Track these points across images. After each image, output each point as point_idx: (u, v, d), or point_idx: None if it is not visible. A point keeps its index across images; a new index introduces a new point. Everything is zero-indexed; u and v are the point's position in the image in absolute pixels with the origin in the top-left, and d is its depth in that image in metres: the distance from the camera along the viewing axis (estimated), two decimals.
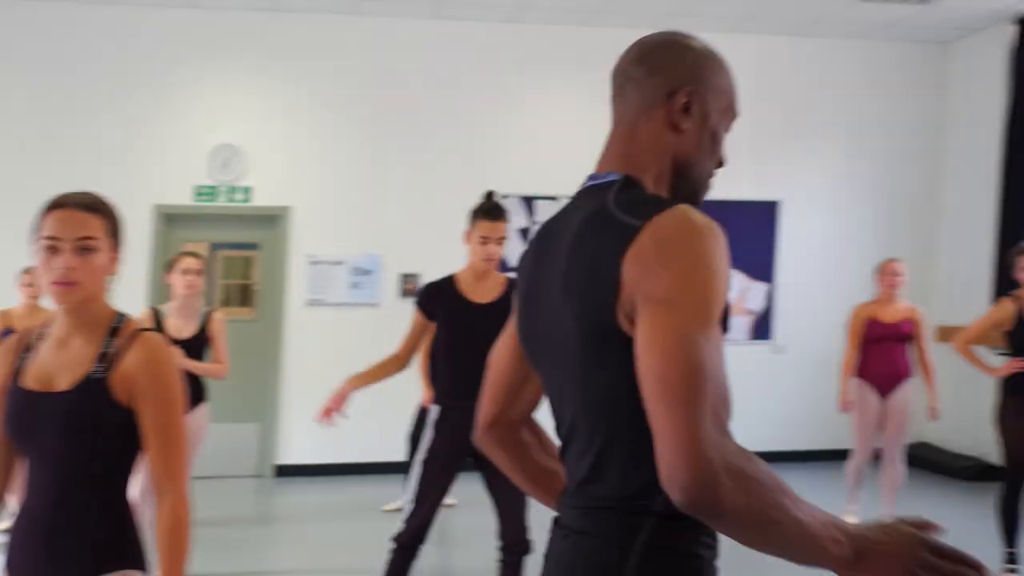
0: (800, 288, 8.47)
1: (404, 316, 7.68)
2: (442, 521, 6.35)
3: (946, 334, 8.17)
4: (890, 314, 5.82)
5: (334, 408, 3.73)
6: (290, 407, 7.83)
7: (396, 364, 3.95)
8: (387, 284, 7.96)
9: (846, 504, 6.23)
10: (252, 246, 7.95)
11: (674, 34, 1.57)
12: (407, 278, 7.97)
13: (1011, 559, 5.13)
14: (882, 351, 5.84)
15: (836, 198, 8.53)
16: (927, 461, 8.12)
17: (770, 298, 8.48)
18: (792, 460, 8.34)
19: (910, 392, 5.88)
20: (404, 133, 7.98)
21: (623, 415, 1.42)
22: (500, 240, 3.88)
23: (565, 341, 1.47)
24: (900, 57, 8.56)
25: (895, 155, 8.59)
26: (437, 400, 3.99)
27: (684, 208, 1.36)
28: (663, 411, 1.26)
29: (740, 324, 8.45)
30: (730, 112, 1.57)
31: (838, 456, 8.14)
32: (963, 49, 8.38)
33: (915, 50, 8.57)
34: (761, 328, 8.47)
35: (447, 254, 7.66)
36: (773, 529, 1.26)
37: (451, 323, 3.92)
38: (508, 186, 8.02)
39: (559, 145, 8.11)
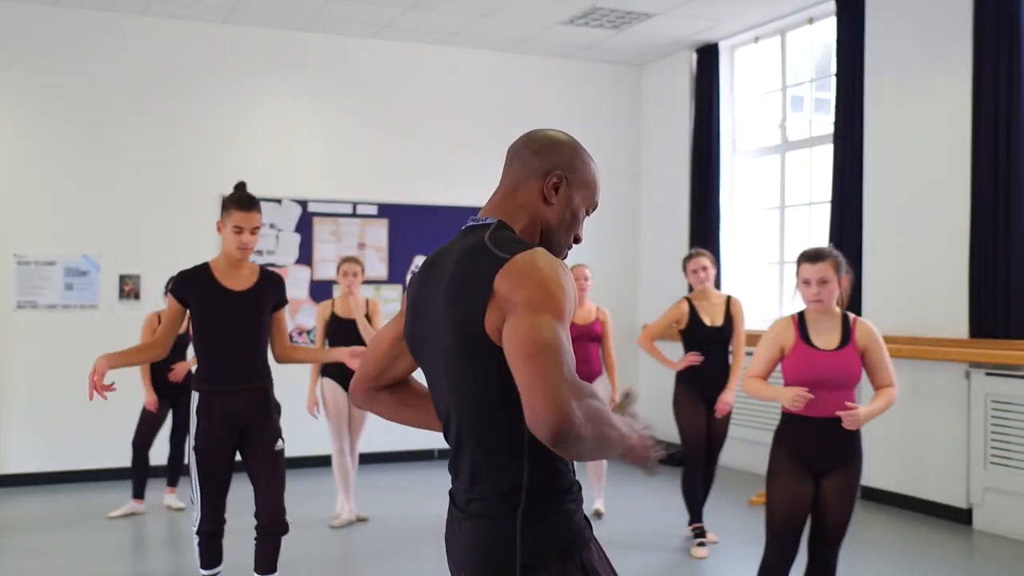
0: None
1: (125, 318, 7.47)
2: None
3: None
4: (582, 316, 6.25)
5: (96, 384, 3.68)
6: (5, 414, 7.38)
7: (154, 350, 4.03)
8: (106, 285, 7.69)
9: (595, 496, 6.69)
10: None
11: (560, 133, 2.04)
12: (126, 279, 7.73)
13: (699, 533, 5.76)
14: (577, 350, 6.20)
15: None
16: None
17: None
18: None
19: (601, 386, 6.39)
20: (117, 132, 7.75)
21: (491, 408, 1.85)
22: (254, 230, 4.01)
23: (443, 343, 1.89)
24: (602, 76, 9.36)
25: (601, 162, 9.28)
26: (196, 387, 4.06)
27: (541, 249, 1.84)
28: (529, 372, 1.67)
29: None
30: (591, 200, 2.03)
31: None
32: (656, 71, 9.32)
33: (615, 71, 9.41)
34: None
35: (167, 254, 7.54)
36: (607, 445, 1.74)
37: (207, 310, 4.00)
38: (228, 186, 7.97)
39: (278, 147, 8.20)
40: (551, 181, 1.96)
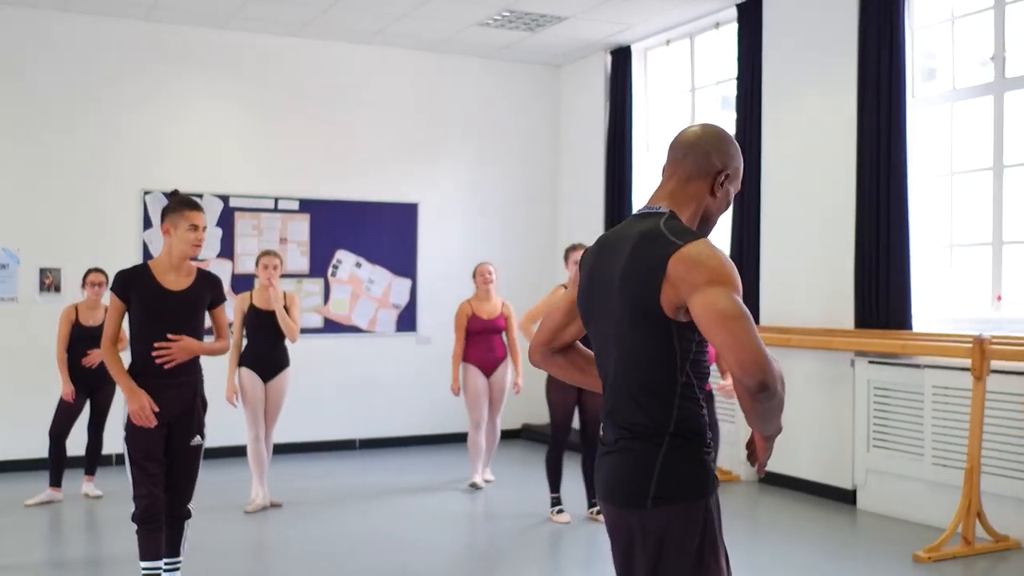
0: (440, 283, 9.19)
1: (46, 310, 7.55)
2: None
3: None
4: (488, 311, 6.98)
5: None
6: None
7: (116, 348, 4.26)
8: (26, 278, 7.77)
9: (472, 472, 7.23)
10: None
11: (723, 130, 2.32)
12: (46, 272, 7.82)
13: (556, 502, 6.25)
14: (482, 341, 6.98)
15: (470, 200, 9.42)
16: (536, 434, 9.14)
17: (413, 293, 9.17)
18: (438, 442, 9.09)
19: (508, 371, 7.09)
20: (39, 128, 7.83)
21: (656, 367, 2.18)
22: (204, 228, 4.27)
23: (617, 315, 2.22)
24: (521, 76, 9.62)
25: (520, 161, 9.63)
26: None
27: (705, 239, 2.15)
28: (730, 335, 2.01)
29: (387, 317, 9.07)
30: (739, 182, 2.32)
31: None
32: (574, 72, 9.61)
33: (533, 71, 9.68)
34: (406, 321, 9.14)
35: (89, 248, 7.65)
36: (779, 410, 2.09)
37: (146, 307, 4.21)
38: (149, 183, 8.12)
39: (200, 143, 8.34)
40: (721, 179, 2.27)
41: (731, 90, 7.76)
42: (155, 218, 8.11)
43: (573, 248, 6.26)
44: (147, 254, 8.01)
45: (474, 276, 7.09)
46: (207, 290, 4.37)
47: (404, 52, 9.08)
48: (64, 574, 5.17)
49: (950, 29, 6.40)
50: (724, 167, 2.26)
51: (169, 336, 4.18)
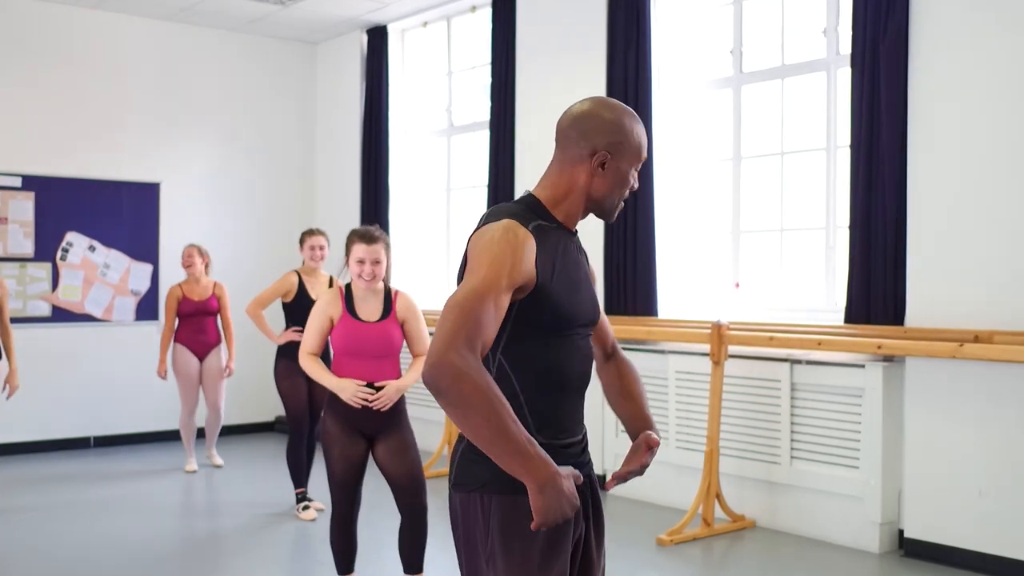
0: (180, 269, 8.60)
1: None
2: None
3: None
4: (199, 292, 7.15)
5: None
6: None
7: None
8: None
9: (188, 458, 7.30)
10: None
11: (603, 107, 2.15)
12: None
13: (302, 497, 5.99)
14: (193, 323, 7.11)
15: (217, 181, 8.88)
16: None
17: (155, 279, 8.54)
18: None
19: (218, 356, 7.22)
20: None
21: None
22: None
23: None
24: (276, 53, 9.18)
25: (272, 142, 9.18)
26: None
27: (505, 222, 2.00)
28: (437, 327, 1.85)
29: (125, 306, 8.41)
30: (638, 160, 2.16)
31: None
32: (331, 50, 9.26)
33: (289, 47, 9.26)
34: (147, 309, 8.50)
35: None
36: (474, 422, 1.80)
37: None
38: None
39: None
40: (598, 160, 2.11)
41: (488, 76, 7.68)
42: None
43: (310, 233, 6.08)
44: None
45: (181, 258, 7.21)
46: None
47: (143, 20, 8.42)
48: None
49: (693, 25, 6.57)
50: (597, 148, 2.11)
51: None
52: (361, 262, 4.04)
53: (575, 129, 2.15)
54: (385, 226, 8.43)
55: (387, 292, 4.14)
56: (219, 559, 5.26)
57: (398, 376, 4.09)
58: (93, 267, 8.25)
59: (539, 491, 1.82)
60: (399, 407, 4.10)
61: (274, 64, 9.19)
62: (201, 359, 7.14)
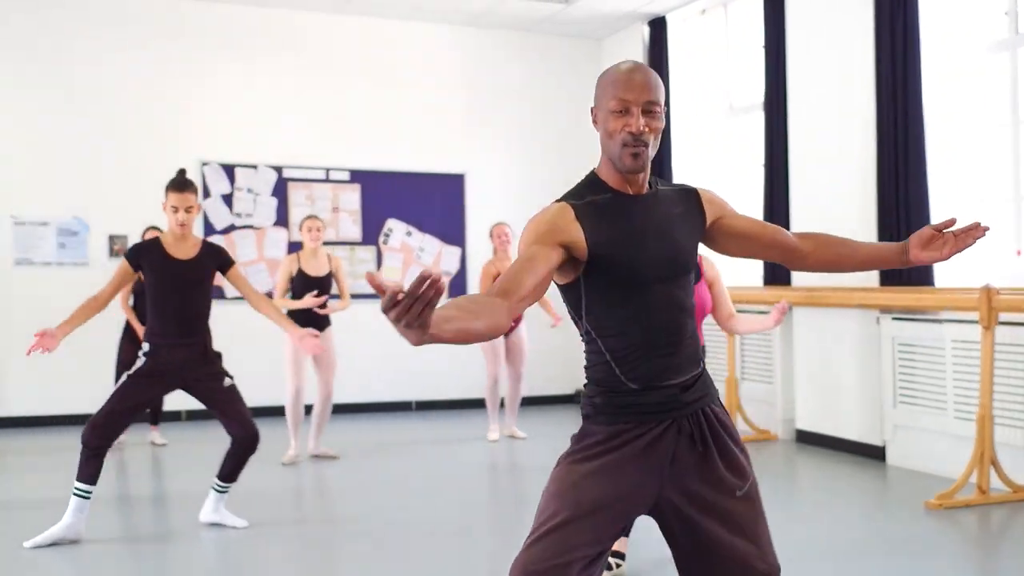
0: (489, 252, 9.44)
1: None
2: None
3: None
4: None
5: (43, 346, 4.43)
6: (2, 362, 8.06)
7: (96, 306, 4.69)
8: (95, 244, 8.31)
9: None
10: None
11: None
12: (115, 239, 8.35)
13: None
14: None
15: (514, 172, 9.70)
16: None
17: (463, 261, 9.51)
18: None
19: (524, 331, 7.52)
20: (106, 105, 8.36)
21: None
22: (188, 209, 4.69)
23: None
24: (563, 49, 9.87)
25: (564, 131, 9.84)
26: (147, 339, 4.76)
27: (552, 204, 2.22)
28: None
29: None
30: (615, 101, 2.17)
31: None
32: (615, 44, 9.81)
33: (575, 44, 9.92)
34: (457, 287, 9.47)
35: (152, 216, 8.10)
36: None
37: (157, 276, 4.69)
38: (208, 154, 8.60)
39: (255, 117, 8.80)
40: (592, 119, 2.26)
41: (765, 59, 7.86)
42: (213, 188, 8.61)
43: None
44: (207, 224, 8.51)
45: (491, 236, 7.44)
46: (209, 260, 4.79)
47: (448, 27, 9.40)
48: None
49: None
50: (592, 109, 2.27)
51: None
52: None
53: None
54: None
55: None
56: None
57: None
58: (410, 250, 9.32)
59: None
60: None
61: (562, 60, 9.88)
62: (507, 335, 7.47)
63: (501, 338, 7.36)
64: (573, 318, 2.31)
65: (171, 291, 4.69)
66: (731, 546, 2.21)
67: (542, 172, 9.78)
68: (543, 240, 2.13)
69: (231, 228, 8.72)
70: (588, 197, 2.22)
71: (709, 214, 2.36)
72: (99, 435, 4.58)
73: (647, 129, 2.16)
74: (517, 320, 7.35)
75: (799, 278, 7.41)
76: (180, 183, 4.68)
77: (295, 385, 6.66)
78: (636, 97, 2.15)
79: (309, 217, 6.75)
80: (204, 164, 8.62)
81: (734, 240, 2.41)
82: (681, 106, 9.13)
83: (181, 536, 4.86)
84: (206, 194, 8.61)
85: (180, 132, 8.55)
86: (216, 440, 5.31)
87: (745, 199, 8.47)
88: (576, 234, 2.16)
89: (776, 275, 7.58)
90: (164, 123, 8.53)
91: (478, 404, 9.22)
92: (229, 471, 4.83)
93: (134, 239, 8.26)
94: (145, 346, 4.73)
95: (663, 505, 2.25)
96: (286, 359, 6.68)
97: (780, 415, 7.57)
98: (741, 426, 7.68)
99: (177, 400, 7.28)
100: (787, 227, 7.45)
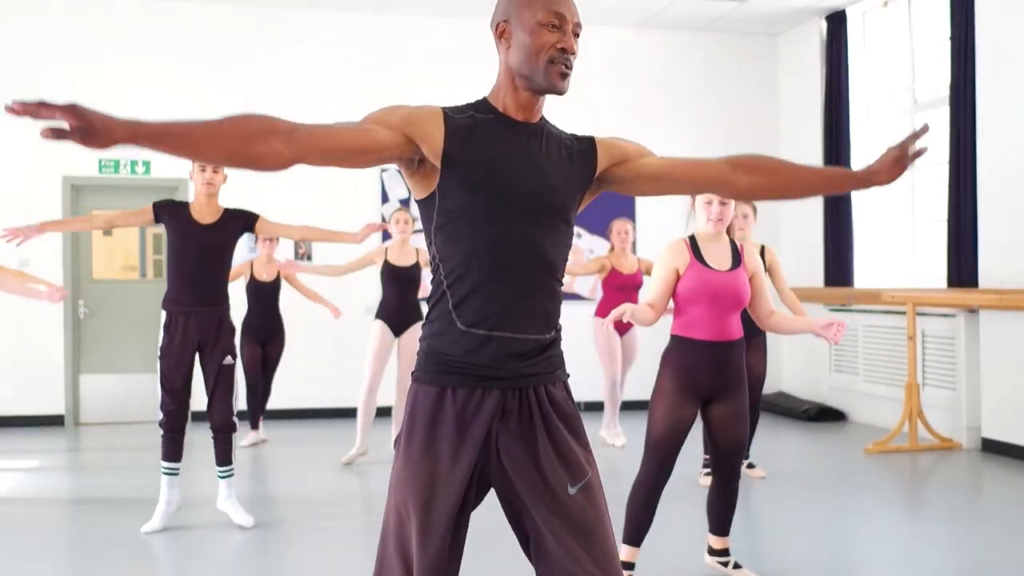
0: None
1: None
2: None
3: None
4: (627, 267, 7.04)
5: (22, 235, 4.74)
6: None
7: (91, 225, 5.20)
8: None
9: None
10: None
11: None
12: None
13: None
14: (620, 297, 6.84)
15: None
16: (781, 407, 9.15)
17: None
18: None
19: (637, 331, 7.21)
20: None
21: None
22: (216, 169, 4.76)
23: None
24: (738, 46, 9.72)
25: (739, 129, 9.69)
26: (164, 306, 4.88)
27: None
28: None
29: (589, 284, 9.40)
30: (544, 14, 2.01)
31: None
32: (791, 39, 9.59)
33: (750, 41, 9.75)
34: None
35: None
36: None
37: (178, 237, 4.78)
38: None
39: None
40: (497, 33, 2.09)
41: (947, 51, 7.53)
42: (392, 193, 8.93)
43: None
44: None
45: (609, 232, 7.13)
46: (233, 222, 4.87)
47: (622, 29, 9.41)
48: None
49: None
50: (497, 21, 2.10)
51: None
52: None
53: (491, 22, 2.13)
54: (848, 208, 8.60)
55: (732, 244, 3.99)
56: None
57: None
58: (579, 251, 9.37)
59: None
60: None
61: (739, 58, 9.72)
62: (621, 334, 7.14)
63: (618, 339, 7.10)
64: (428, 246, 2.12)
65: (191, 254, 4.76)
66: (555, 548, 1.99)
67: None
68: (386, 121, 1.99)
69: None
70: (470, 112, 2.08)
71: (604, 160, 2.20)
72: (167, 418, 4.84)
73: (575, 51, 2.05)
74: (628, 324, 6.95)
75: (986, 280, 7.05)
76: None
77: (372, 376, 6.53)
78: (571, 15, 2.04)
79: (399, 209, 6.81)
80: (384, 171, 8.97)
81: (645, 181, 2.25)
82: (861, 101, 8.84)
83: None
84: (384, 199, 8.93)
85: None
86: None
87: (926, 197, 8.13)
88: (434, 135, 2.00)
89: (962, 277, 7.24)
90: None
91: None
92: (220, 457, 5.01)
93: None
94: (163, 315, 4.88)
95: (496, 488, 2.09)
96: (369, 348, 6.56)
97: (964, 423, 7.23)
98: (922, 434, 7.38)
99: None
100: (975, 229, 7.12)
